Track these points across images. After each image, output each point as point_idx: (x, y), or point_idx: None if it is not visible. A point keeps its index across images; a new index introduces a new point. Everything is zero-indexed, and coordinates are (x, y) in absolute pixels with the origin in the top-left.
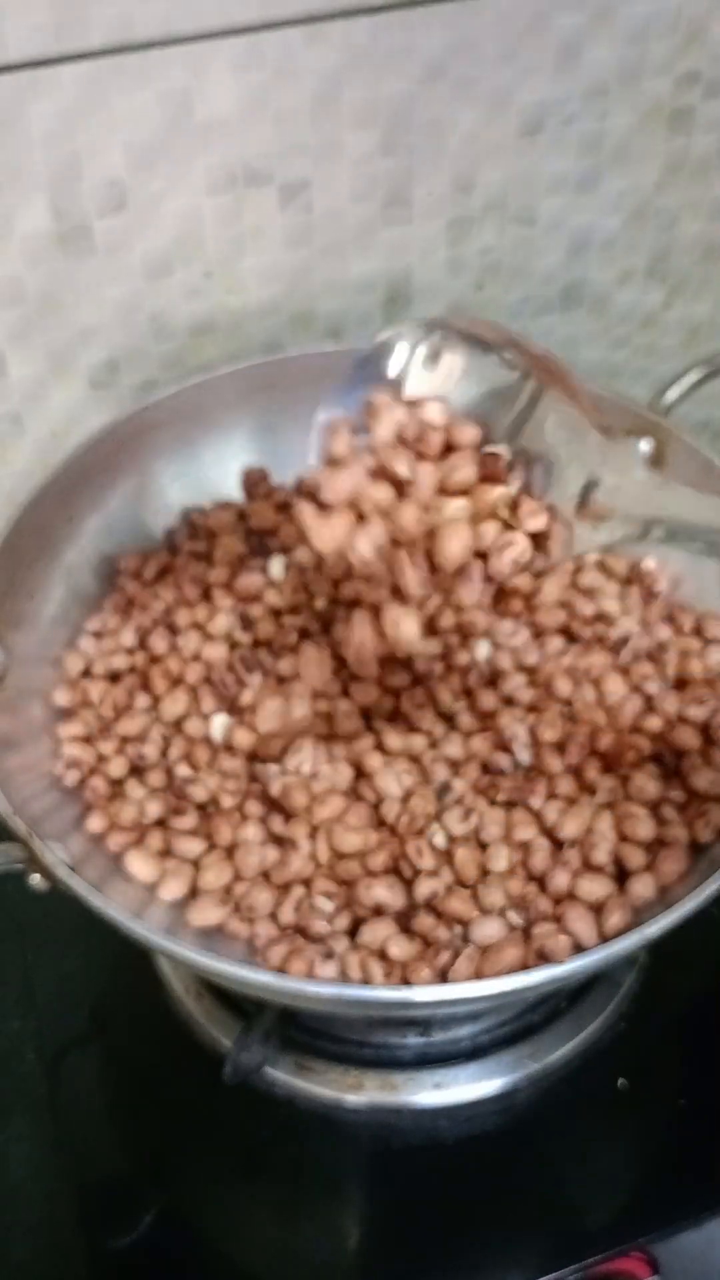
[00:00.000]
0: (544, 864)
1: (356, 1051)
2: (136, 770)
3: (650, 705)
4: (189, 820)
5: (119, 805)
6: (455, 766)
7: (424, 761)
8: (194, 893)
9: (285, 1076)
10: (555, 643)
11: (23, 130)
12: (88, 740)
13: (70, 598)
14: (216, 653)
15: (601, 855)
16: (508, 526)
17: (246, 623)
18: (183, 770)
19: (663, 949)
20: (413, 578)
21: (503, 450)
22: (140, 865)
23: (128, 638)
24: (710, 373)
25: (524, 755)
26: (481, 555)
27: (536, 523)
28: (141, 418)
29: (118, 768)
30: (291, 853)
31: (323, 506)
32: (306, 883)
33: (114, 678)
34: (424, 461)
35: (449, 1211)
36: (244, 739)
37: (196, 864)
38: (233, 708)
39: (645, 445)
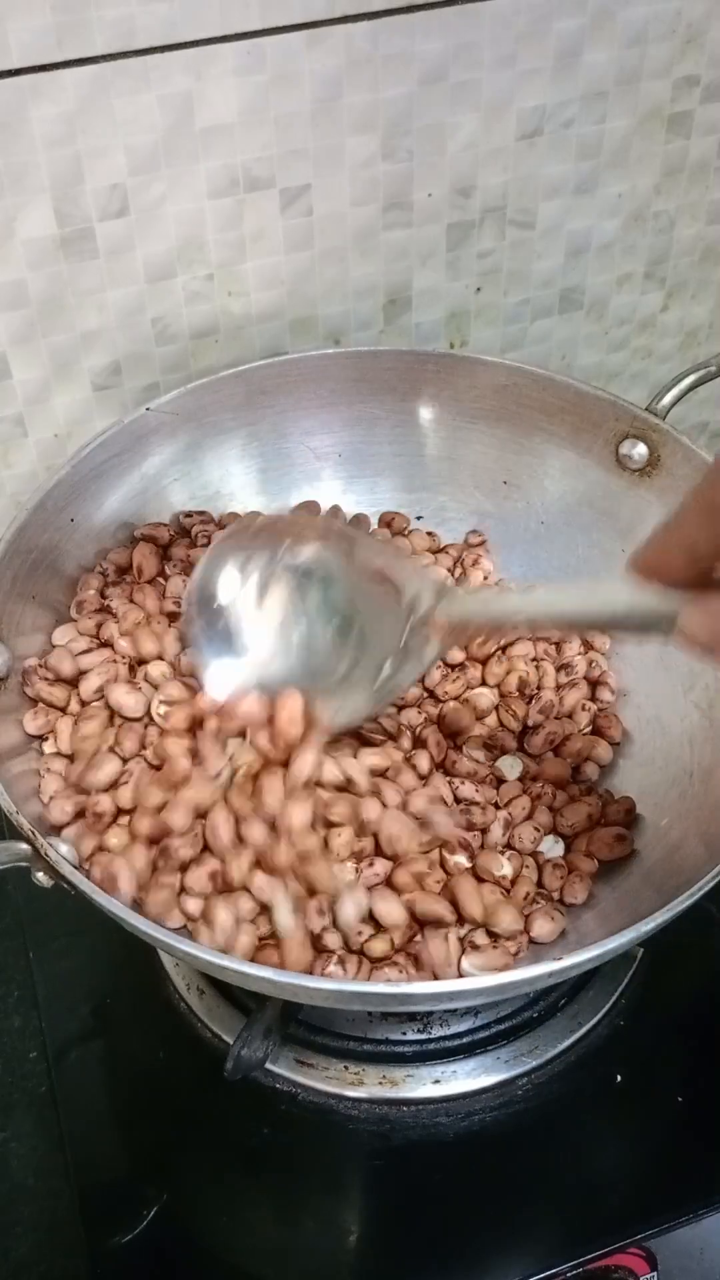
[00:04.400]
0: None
1: (357, 1047)
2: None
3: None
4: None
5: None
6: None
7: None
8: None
9: (286, 1072)
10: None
11: (25, 134)
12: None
13: (73, 599)
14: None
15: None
16: None
17: None
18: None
19: (660, 946)
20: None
21: None
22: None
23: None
24: (708, 375)
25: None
26: None
27: None
28: (144, 420)
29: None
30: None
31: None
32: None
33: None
34: None
35: (448, 1206)
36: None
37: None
38: None
39: (638, 450)
